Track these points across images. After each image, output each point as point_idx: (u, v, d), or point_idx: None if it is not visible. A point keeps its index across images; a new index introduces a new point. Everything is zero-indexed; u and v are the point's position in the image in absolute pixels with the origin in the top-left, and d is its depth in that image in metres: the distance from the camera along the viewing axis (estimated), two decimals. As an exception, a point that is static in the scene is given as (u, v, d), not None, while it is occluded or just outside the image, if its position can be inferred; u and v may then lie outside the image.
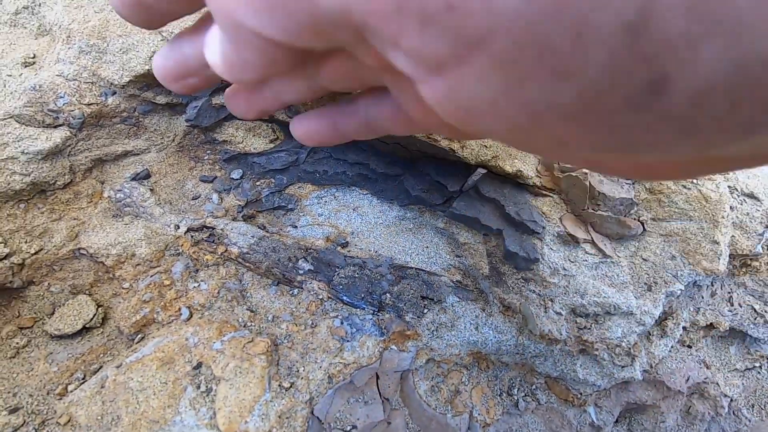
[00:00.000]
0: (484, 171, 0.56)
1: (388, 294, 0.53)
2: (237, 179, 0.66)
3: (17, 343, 0.50)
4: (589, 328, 0.50)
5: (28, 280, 0.53)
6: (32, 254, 0.54)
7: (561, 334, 0.50)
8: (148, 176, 0.63)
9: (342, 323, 0.50)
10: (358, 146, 0.65)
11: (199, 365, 0.46)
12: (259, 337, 0.47)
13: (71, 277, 0.55)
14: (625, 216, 0.56)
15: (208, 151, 0.67)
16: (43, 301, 0.53)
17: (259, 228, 0.59)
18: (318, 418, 0.44)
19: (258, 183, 0.65)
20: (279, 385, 0.44)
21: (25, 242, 0.54)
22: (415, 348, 0.50)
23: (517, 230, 0.57)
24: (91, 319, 0.51)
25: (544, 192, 0.57)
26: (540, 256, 0.54)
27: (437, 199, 0.62)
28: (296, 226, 0.62)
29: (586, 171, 0.55)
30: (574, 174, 0.55)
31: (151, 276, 0.52)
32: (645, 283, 0.52)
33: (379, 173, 0.64)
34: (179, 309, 0.49)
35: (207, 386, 0.45)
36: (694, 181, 0.55)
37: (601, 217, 0.55)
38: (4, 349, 0.49)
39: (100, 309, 0.52)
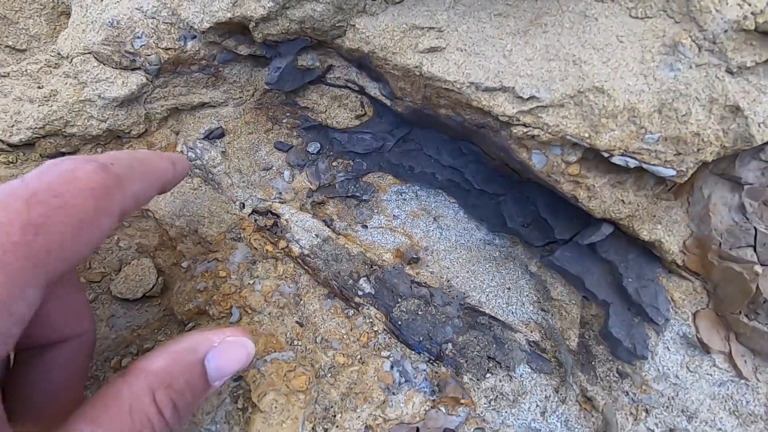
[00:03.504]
0: (611, 230, 0.44)
1: (450, 344, 0.46)
2: (313, 154, 0.58)
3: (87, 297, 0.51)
4: (684, 460, 0.41)
5: (100, 232, 0.53)
6: (105, 207, 0.53)
7: (645, 457, 0.41)
8: (222, 135, 0.58)
9: (392, 368, 0.45)
10: (458, 147, 0.53)
11: (240, 378, 0.45)
12: (302, 367, 0.44)
13: (138, 236, 0.54)
14: (789, 334, 0.41)
15: (288, 114, 0.59)
16: (113, 256, 0.54)
17: (326, 223, 0.53)
18: (347, 465, 0.42)
19: (334, 163, 0.58)
20: (312, 428, 0.42)
21: (100, 191, 0.53)
22: (465, 414, 0.45)
23: (629, 310, 0.45)
24: (152, 288, 0.51)
25: (684, 273, 0.43)
26: (650, 355, 0.43)
27: (537, 239, 0.50)
28: (366, 226, 0.55)
29: (758, 270, 0.39)
30: (737, 268, 0.40)
31: (209, 262, 0.49)
32: (783, 429, 0.40)
33: (474, 187, 0.53)
34: (230, 307, 0.47)
35: (244, 404, 0.44)
36: None
37: (756, 331, 0.41)
38: (76, 300, 0.51)
39: (160, 279, 0.52)
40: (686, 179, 0.39)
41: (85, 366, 0.35)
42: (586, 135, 0.39)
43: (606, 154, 0.39)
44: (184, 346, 0.32)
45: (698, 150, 0.37)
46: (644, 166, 0.38)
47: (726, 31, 0.35)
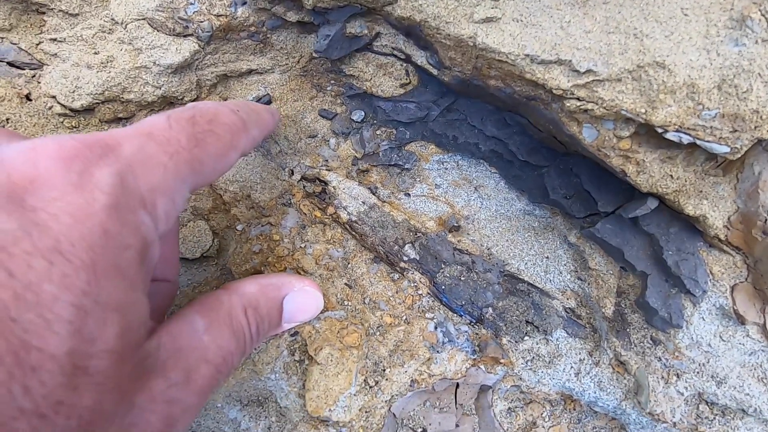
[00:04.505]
0: (656, 204, 0.45)
1: (490, 308, 0.49)
2: (358, 122, 0.59)
3: (149, 256, 0.55)
4: (711, 420, 0.44)
5: (157, 195, 0.56)
6: (161, 172, 0.56)
7: (673, 416, 0.44)
8: (269, 102, 0.59)
9: (436, 329, 0.48)
10: (502, 118, 0.54)
11: (296, 333, 0.48)
12: (353, 325, 0.47)
13: (193, 199, 0.57)
14: (825, 308, 0.43)
15: (332, 81, 0.60)
16: (170, 218, 0.57)
17: (371, 190, 0.55)
18: (393, 414, 0.46)
19: (378, 132, 0.59)
20: (365, 380, 0.46)
21: (156, 155, 0.56)
22: (503, 372, 0.48)
23: (666, 281, 0.47)
24: (209, 248, 0.54)
25: (725, 248, 0.44)
26: (685, 324, 0.45)
27: (579, 211, 0.52)
28: (409, 194, 0.57)
29: (803, 246, 0.40)
30: (781, 244, 0.41)
31: (263, 226, 0.52)
32: (810, 397, 0.43)
33: (518, 158, 0.54)
34: (285, 269, 0.50)
35: (300, 357, 0.48)
36: None
37: (792, 304, 0.42)
38: (139, 259, 0.55)
39: (215, 240, 0.55)
40: (739, 156, 0.40)
41: (162, 313, 0.38)
42: (642, 110, 0.39)
43: (660, 130, 0.39)
44: (271, 281, 0.36)
45: (755, 127, 0.37)
46: (698, 142, 0.39)
47: (799, 5, 0.35)
